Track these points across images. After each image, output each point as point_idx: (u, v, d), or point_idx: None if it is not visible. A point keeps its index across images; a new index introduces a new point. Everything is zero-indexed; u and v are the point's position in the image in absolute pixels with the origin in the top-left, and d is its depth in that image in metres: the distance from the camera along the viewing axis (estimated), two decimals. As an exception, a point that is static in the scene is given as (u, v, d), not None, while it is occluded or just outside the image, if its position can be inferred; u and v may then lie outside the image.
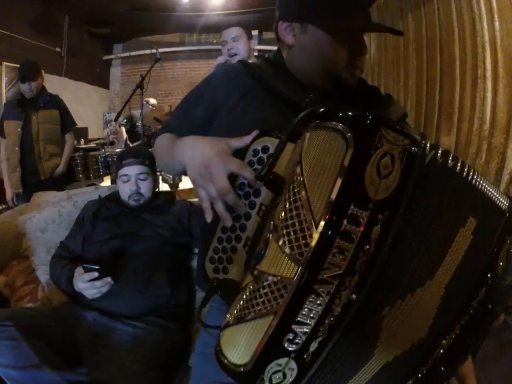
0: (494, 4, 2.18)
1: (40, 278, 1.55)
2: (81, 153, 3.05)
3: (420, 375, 0.53)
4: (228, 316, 0.53)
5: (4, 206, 3.20)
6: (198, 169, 0.62)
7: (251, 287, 0.50)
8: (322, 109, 0.50)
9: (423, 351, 0.53)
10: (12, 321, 0.99)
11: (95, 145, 4.14)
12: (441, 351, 0.53)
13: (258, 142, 0.60)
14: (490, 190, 0.53)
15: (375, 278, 0.46)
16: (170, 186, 3.15)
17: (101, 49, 7.44)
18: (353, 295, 0.45)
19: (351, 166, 0.44)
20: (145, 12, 5.73)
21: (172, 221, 1.44)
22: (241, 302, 0.50)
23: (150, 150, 1.78)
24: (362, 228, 0.44)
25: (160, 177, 2.83)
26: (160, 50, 6.84)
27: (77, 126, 3.10)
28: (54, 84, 5.91)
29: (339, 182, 0.44)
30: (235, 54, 2.00)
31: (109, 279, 1.16)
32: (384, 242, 0.45)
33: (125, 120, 3.47)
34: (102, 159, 3.01)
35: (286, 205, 0.48)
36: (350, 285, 0.45)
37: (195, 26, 5.97)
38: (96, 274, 1.14)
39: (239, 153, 0.62)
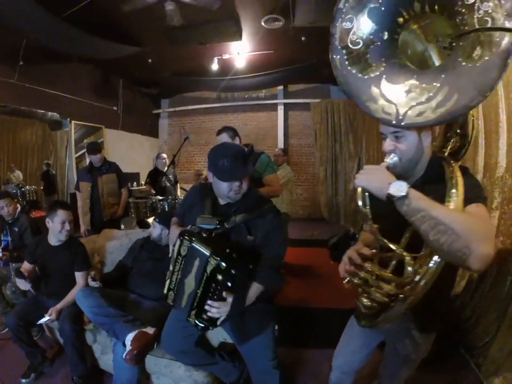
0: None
1: (107, 279, 2.49)
2: (134, 200, 4.05)
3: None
4: None
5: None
6: (171, 237, 1.64)
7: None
8: (186, 231, 1.49)
9: None
10: (96, 290, 2.03)
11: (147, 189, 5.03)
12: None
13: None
14: (200, 247, 1.39)
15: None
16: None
17: (151, 105, 8.56)
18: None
19: (177, 250, 1.49)
20: (184, 77, 6.72)
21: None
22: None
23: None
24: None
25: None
26: (200, 106, 8.20)
27: (130, 172, 4.01)
28: (112, 136, 7.15)
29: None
30: None
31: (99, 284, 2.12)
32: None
33: (148, 179, 4.62)
34: (149, 205, 3.97)
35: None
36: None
37: (225, 86, 6.85)
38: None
39: None
